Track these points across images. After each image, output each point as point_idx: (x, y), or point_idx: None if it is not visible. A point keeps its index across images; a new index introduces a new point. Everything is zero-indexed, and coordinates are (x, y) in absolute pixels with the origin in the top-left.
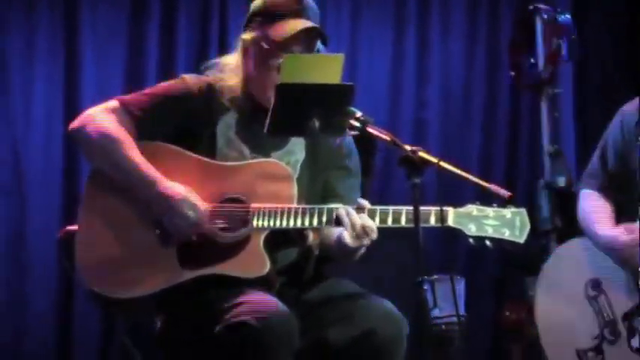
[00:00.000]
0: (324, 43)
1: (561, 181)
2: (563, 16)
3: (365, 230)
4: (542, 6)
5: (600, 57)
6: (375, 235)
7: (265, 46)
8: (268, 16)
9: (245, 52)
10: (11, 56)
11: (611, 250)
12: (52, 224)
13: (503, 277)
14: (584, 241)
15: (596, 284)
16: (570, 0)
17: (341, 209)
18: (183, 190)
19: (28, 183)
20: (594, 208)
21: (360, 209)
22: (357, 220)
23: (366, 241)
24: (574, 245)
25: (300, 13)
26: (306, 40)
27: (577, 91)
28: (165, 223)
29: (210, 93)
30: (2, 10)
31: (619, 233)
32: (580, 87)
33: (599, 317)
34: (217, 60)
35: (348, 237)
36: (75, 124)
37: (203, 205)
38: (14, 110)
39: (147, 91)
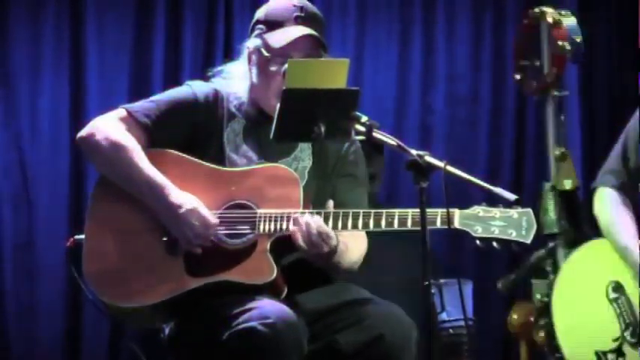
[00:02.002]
0: (323, 50)
1: (568, 184)
2: (568, 19)
3: (321, 236)
4: (547, 9)
5: (607, 58)
6: (333, 242)
7: (265, 53)
8: (269, 24)
9: (249, 60)
10: (17, 65)
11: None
12: (60, 232)
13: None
14: (605, 243)
15: (617, 286)
16: (576, 1)
17: (297, 214)
18: (192, 199)
19: (35, 191)
20: (620, 219)
21: (321, 213)
22: (313, 227)
23: (325, 249)
24: (593, 248)
25: (300, 20)
26: (305, 47)
27: (583, 94)
28: (173, 231)
29: (216, 99)
30: (7, 20)
31: None
32: (586, 89)
33: (621, 319)
34: (223, 67)
35: (301, 242)
36: (83, 133)
37: (210, 217)
38: (21, 119)
39: (154, 98)
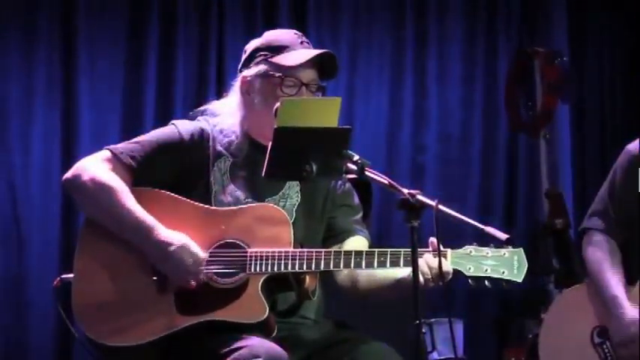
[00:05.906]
0: (332, 73)
1: (559, 223)
2: (560, 59)
3: (442, 275)
4: (539, 49)
5: (598, 98)
6: (449, 277)
7: (276, 74)
8: (274, 49)
9: (247, 90)
10: (9, 103)
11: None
12: (50, 269)
13: (503, 318)
14: (590, 287)
15: (602, 331)
16: (568, 41)
17: (426, 254)
18: (181, 237)
19: (26, 228)
20: (608, 266)
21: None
22: (434, 264)
23: (440, 283)
24: (579, 291)
25: (306, 45)
26: (315, 68)
27: (575, 133)
28: (163, 270)
29: (202, 139)
30: (0, 58)
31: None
32: (578, 128)
33: None
34: (206, 106)
35: (421, 279)
36: (69, 174)
37: (200, 252)
38: (12, 156)
39: (138, 139)
